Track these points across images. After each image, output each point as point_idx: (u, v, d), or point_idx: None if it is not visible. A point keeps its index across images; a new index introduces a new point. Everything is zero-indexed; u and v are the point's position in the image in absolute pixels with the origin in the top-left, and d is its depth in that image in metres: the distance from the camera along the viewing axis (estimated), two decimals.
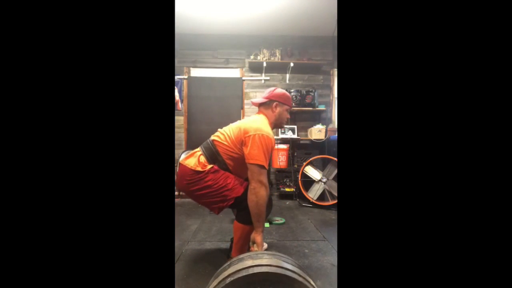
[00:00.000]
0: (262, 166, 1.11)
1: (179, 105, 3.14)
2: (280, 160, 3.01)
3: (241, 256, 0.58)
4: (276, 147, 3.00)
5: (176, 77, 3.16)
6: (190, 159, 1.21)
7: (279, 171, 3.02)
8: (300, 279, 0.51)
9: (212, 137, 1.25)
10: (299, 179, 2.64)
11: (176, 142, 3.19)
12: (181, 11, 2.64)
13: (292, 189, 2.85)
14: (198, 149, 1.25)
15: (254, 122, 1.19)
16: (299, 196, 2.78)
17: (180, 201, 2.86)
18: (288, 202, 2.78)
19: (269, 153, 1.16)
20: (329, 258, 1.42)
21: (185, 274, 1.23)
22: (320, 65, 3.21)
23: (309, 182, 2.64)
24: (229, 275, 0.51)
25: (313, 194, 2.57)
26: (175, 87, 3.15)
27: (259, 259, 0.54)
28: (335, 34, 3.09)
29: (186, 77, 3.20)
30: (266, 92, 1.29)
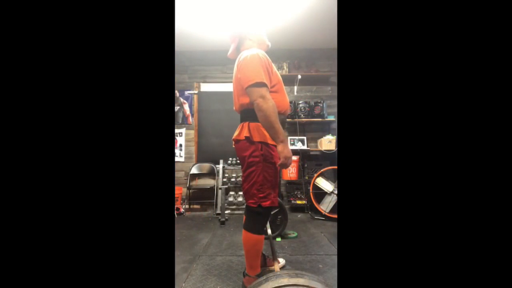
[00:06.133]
0: (260, 84, 1.00)
1: (190, 119, 3.21)
2: (290, 172, 2.97)
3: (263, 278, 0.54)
4: None
5: (187, 92, 3.25)
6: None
7: (290, 183, 2.98)
8: None
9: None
10: (311, 191, 2.59)
11: (187, 155, 3.23)
12: (191, 29, 2.76)
13: (304, 202, 2.80)
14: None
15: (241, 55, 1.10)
16: (311, 208, 2.72)
17: (191, 214, 2.86)
18: (299, 215, 2.72)
19: (266, 68, 1.04)
20: None
21: None
22: (328, 76, 3.23)
23: (321, 194, 2.59)
24: None
25: (325, 206, 2.51)
26: (186, 102, 3.24)
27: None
28: None
29: (196, 92, 3.29)
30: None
